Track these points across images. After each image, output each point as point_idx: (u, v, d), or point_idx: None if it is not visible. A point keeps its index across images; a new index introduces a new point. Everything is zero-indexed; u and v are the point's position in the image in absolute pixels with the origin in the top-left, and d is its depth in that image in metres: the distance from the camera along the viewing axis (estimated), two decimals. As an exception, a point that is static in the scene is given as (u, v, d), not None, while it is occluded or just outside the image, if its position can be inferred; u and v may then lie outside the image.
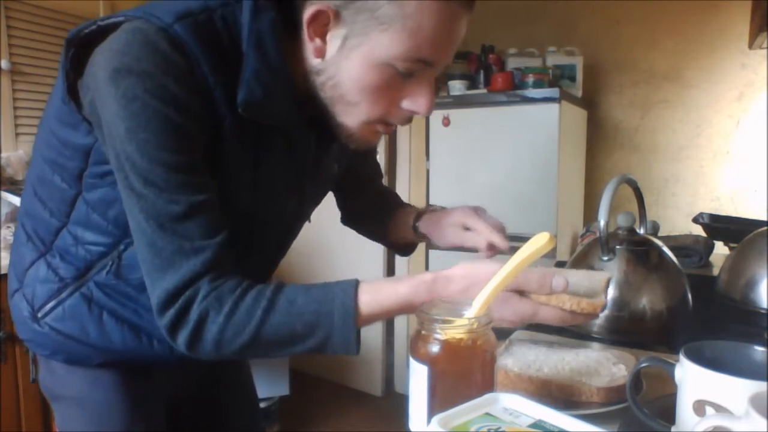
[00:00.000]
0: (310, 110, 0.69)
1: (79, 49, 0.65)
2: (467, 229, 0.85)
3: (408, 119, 0.70)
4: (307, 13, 0.62)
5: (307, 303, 0.61)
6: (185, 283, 0.60)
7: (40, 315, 0.75)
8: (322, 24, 0.63)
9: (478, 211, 0.86)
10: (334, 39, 0.63)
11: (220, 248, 0.62)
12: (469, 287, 0.60)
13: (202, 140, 0.63)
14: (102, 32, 0.63)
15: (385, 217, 0.99)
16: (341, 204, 1.06)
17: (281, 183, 0.74)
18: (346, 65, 0.64)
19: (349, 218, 1.06)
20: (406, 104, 0.67)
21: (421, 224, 0.92)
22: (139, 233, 0.62)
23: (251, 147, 0.68)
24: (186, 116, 0.60)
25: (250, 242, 0.75)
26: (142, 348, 0.75)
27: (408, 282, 0.62)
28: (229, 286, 0.62)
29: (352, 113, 0.67)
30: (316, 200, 0.88)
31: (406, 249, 1.02)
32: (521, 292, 0.61)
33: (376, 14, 0.60)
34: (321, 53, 0.65)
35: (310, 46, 0.65)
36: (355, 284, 0.63)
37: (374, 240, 1.04)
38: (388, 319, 0.66)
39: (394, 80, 0.64)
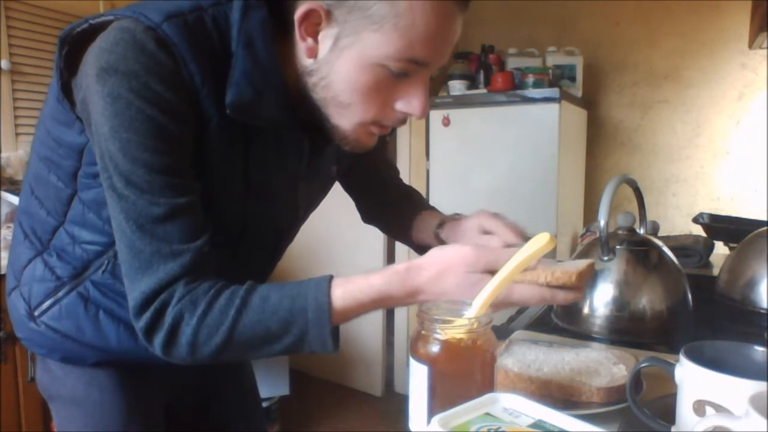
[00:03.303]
0: (304, 112, 0.68)
1: (73, 47, 0.64)
2: (486, 232, 0.82)
3: (402, 121, 0.69)
4: (299, 12, 0.61)
5: (280, 300, 0.61)
6: (162, 286, 0.60)
7: (36, 313, 0.75)
8: (313, 23, 0.62)
9: (497, 215, 0.84)
10: (326, 39, 0.62)
11: (199, 252, 0.61)
12: (441, 273, 0.60)
13: (188, 141, 0.62)
14: (93, 31, 0.62)
15: (406, 218, 0.97)
16: (357, 204, 1.05)
17: (273, 186, 0.74)
18: (338, 65, 0.63)
19: (369, 216, 1.05)
20: (400, 106, 0.66)
21: (443, 231, 0.90)
22: (120, 234, 0.61)
23: (240, 149, 0.67)
24: (170, 117, 0.59)
25: (243, 245, 0.74)
26: (137, 347, 0.74)
27: (381, 274, 0.62)
28: (204, 287, 0.61)
29: (346, 115, 0.66)
30: (313, 203, 0.87)
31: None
32: (493, 272, 0.59)
33: (368, 13, 0.59)
34: (313, 53, 0.64)
35: (301, 46, 0.64)
36: (329, 279, 0.62)
37: (397, 239, 1.02)
38: (365, 313, 0.64)
39: (387, 81, 0.63)
